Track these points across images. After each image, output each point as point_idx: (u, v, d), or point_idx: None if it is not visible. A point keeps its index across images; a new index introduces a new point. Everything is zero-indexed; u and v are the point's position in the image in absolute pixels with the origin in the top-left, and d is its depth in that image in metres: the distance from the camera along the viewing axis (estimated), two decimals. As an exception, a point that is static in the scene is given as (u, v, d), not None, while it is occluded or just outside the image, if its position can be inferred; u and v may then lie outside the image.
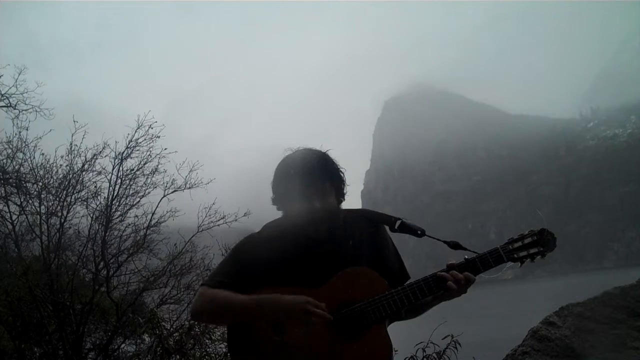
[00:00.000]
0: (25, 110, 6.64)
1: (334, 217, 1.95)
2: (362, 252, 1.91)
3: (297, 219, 1.88)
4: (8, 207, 6.41)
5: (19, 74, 6.52)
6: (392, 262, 1.99)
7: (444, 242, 1.94)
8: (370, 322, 1.80)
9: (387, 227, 1.99)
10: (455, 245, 1.93)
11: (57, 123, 6.73)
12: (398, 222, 1.95)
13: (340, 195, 1.99)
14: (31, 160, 6.44)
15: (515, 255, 1.84)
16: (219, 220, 6.74)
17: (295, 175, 1.90)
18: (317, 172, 1.91)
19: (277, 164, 1.97)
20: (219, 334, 5.72)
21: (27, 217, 6.42)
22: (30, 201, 6.45)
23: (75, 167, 6.41)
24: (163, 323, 5.79)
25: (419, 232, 1.94)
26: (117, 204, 6.44)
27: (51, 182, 6.44)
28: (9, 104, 6.63)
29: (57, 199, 6.39)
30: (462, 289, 1.83)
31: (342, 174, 1.99)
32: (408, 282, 1.90)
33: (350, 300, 1.81)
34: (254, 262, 1.87)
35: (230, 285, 1.85)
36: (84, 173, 6.43)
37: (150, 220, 6.52)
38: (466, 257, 1.87)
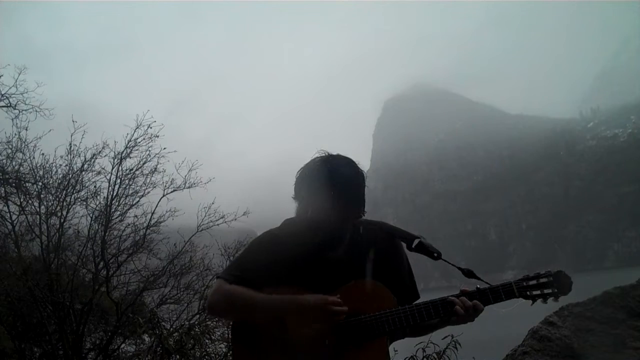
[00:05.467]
0: (25, 110, 6.64)
1: (352, 226, 1.95)
2: (375, 264, 1.91)
3: (316, 223, 1.87)
4: (8, 207, 6.41)
5: (19, 74, 6.52)
6: (404, 278, 1.99)
7: (459, 268, 1.95)
8: (372, 335, 1.81)
9: (404, 244, 1.99)
10: (469, 274, 1.94)
11: (56, 123, 6.73)
12: (416, 241, 1.95)
13: (361, 209, 1.94)
14: (31, 160, 6.46)
15: (528, 293, 1.85)
16: (218, 219, 6.76)
17: (324, 180, 1.85)
18: (344, 182, 1.87)
19: (307, 163, 1.94)
20: (218, 334, 5.72)
21: (26, 217, 6.43)
22: (29, 201, 6.45)
23: (74, 167, 6.43)
24: (163, 323, 5.79)
25: (435, 254, 1.94)
26: (117, 203, 6.45)
27: (51, 182, 6.45)
28: (9, 104, 6.62)
29: (57, 199, 6.39)
30: (470, 317, 1.84)
31: (365, 189, 1.95)
32: (417, 302, 1.90)
33: (357, 312, 1.82)
34: (271, 260, 1.88)
35: (247, 281, 1.85)
36: (83, 173, 6.45)
37: (150, 220, 6.53)
38: (478, 286, 1.88)
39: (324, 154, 1.94)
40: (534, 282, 1.86)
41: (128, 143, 6.42)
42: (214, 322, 5.75)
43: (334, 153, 1.95)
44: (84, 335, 6.37)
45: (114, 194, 6.40)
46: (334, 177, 1.85)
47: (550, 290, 1.84)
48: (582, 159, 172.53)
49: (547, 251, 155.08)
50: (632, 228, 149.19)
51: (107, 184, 6.41)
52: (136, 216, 6.55)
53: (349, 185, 1.88)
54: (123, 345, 6.76)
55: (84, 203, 6.46)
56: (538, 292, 1.85)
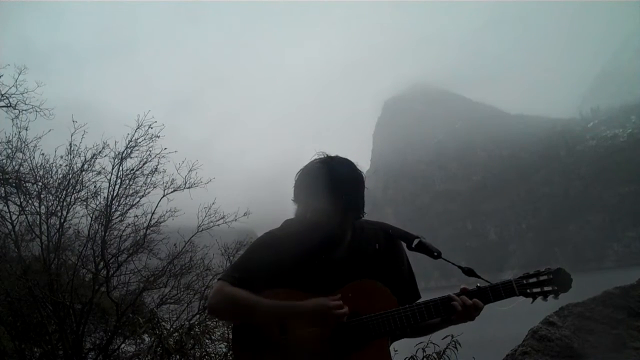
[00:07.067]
0: (25, 110, 6.63)
1: (353, 226, 1.95)
2: (376, 264, 1.92)
3: (317, 223, 1.87)
4: (8, 207, 6.40)
5: (19, 74, 6.51)
6: (405, 278, 2.00)
7: (459, 267, 1.95)
8: (373, 335, 1.81)
9: (404, 244, 1.99)
10: (469, 272, 1.94)
11: (56, 123, 6.72)
12: (416, 241, 1.95)
13: (360, 210, 1.94)
14: (31, 160, 6.45)
15: (528, 291, 1.85)
16: (218, 220, 6.76)
17: (322, 181, 1.86)
18: (343, 183, 1.88)
19: (305, 165, 1.94)
20: (219, 334, 5.72)
21: (27, 217, 6.42)
22: (30, 201, 6.44)
23: (74, 167, 6.42)
24: (163, 323, 5.79)
25: (436, 253, 1.95)
26: (117, 203, 6.44)
27: (51, 182, 6.44)
28: (9, 104, 6.61)
29: (57, 199, 6.39)
30: (470, 315, 1.84)
31: (364, 190, 1.95)
32: (417, 302, 1.91)
33: (358, 312, 1.83)
34: (272, 261, 1.88)
35: (248, 283, 1.85)
36: (83, 173, 6.44)
37: (150, 220, 6.53)
38: (479, 284, 1.88)
39: (322, 156, 1.94)
40: (534, 279, 1.86)
41: (129, 143, 6.42)
42: (214, 322, 5.75)
43: (333, 155, 1.95)
44: (84, 335, 6.36)
45: (114, 194, 6.40)
46: (333, 179, 1.85)
47: (550, 288, 1.84)
48: (582, 159, 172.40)
49: (547, 251, 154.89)
50: (632, 228, 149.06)
51: (108, 184, 6.41)
52: (136, 216, 6.56)
53: (348, 186, 1.88)
54: (123, 345, 6.76)
55: (84, 203, 6.46)
56: (538, 289, 1.84)
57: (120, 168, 6.42)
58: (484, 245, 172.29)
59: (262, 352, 1.83)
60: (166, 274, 6.60)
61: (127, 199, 6.50)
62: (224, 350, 5.54)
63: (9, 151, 6.48)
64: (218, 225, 6.77)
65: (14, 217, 6.41)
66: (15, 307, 6.30)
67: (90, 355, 6.70)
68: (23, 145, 6.45)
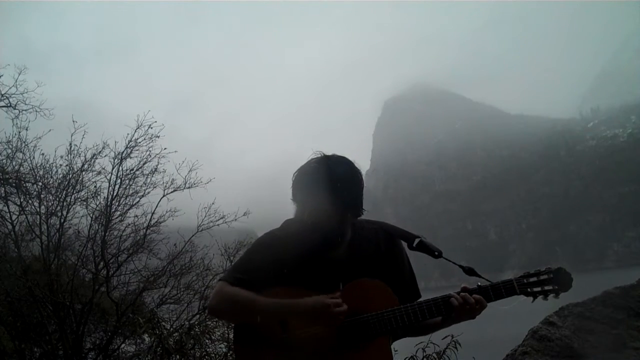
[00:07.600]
0: (25, 110, 6.62)
1: (353, 226, 1.95)
2: (377, 263, 1.92)
3: (317, 223, 1.87)
4: (8, 207, 6.40)
5: (19, 74, 6.50)
6: (406, 278, 2.00)
7: (460, 266, 1.95)
8: (373, 334, 1.81)
9: (404, 244, 1.99)
10: (470, 271, 1.94)
11: (56, 123, 6.72)
12: (417, 240, 1.95)
13: (359, 208, 1.94)
14: (31, 160, 6.44)
15: (529, 290, 1.85)
16: (218, 220, 6.75)
17: (320, 180, 1.85)
18: (340, 182, 1.87)
19: (302, 165, 1.94)
20: (219, 334, 5.72)
21: (27, 217, 6.42)
22: (30, 201, 6.44)
23: (74, 167, 6.42)
24: (163, 323, 5.79)
25: (436, 253, 1.95)
26: (117, 203, 6.44)
27: (51, 182, 6.44)
28: (9, 104, 6.61)
29: (57, 199, 6.39)
30: (472, 313, 1.84)
31: (362, 187, 1.95)
32: (418, 301, 1.91)
33: (359, 311, 1.83)
34: (272, 261, 1.88)
35: (248, 283, 1.85)
36: (83, 173, 6.44)
37: (150, 220, 6.52)
38: (479, 284, 1.88)
39: (319, 155, 1.93)
40: (534, 279, 1.86)
41: (128, 143, 6.41)
42: (214, 322, 5.75)
43: (330, 154, 1.94)
44: (84, 335, 6.36)
45: (114, 194, 6.39)
46: (329, 177, 1.85)
47: (550, 287, 1.85)
48: (582, 159, 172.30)
49: (547, 251, 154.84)
50: (632, 228, 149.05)
51: (108, 184, 6.41)
52: (136, 216, 6.55)
53: (345, 184, 1.87)
54: (123, 345, 6.76)
55: (84, 203, 6.46)
56: (539, 288, 1.85)
57: (120, 168, 6.42)
58: (484, 245, 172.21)
59: (264, 350, 1.83)
60: (166, 274, 6.60)
61: (127, 199, 6.50)
62: (224, 350, 5.54)
63: (9, 151, 6.48)
64: (218, 225, 6.77)
65: (14, 217, 6.41)
66: (15, 307, 6.30)
67: (90, 355, 6.69)
68: (23, 145, 6.46)
